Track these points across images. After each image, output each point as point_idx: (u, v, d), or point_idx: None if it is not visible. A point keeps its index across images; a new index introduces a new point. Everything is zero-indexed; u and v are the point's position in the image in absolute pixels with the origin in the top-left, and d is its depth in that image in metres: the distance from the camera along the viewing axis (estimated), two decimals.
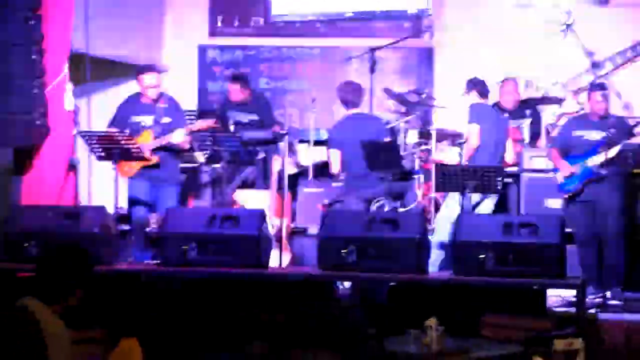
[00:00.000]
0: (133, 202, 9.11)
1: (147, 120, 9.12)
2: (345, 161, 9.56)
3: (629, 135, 8.87)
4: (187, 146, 9.23)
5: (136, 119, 9.14)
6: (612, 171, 8.61)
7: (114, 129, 8.88)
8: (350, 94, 9.73)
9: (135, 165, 9.01)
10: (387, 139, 9.72)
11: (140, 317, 7.39)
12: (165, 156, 9.11)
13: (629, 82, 11.12)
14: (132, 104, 9.24)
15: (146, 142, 8.99)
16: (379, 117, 10.27)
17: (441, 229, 8.93)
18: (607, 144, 8.62)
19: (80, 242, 7.66)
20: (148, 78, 9.12)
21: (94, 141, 8.74)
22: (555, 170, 8.99)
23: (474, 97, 9.38)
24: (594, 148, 8.73)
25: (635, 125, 9.99)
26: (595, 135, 8.79)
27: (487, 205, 9.11)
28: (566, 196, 8.88)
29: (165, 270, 7.83)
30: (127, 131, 8.92)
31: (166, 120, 9.12)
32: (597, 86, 9.12)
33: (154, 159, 9.00)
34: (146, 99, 9.16)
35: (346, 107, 9.76)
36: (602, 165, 8.62)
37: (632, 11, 11.35)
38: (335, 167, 9.74)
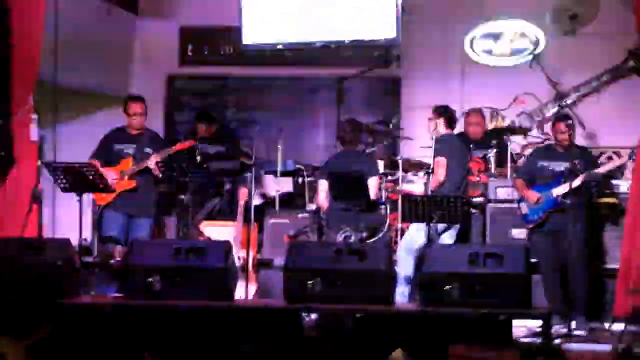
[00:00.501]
0: (105, 239, 9.22)
1: (129, 148, 9.46)
2: (330, 193, 9.65)
3: (593, 166, 8.93)
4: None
5: (119, 147, 9.48)
6: (576, 201, 8.65)
7: (80, 162, 8.92)
8: (350, 133, 9.91)
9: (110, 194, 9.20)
10: (374, 181, 9.73)
11: (105, 350, 7.35)
12: (143, 184, 9.35)
13: (593, 112, 11.21)
14: (117, 134, 9.59)
15: (127, 167, 9.33)
16: (373, 158, 10.31)
17: (402, 261, 8.94)
18: (571, 174, 8.66)
19: (43, 274, 7.66)
20: (136, 106, 9.50)
21: (59, 172, 8.73)
22: (520, 200, 9.03)
23: (441, 125, 9.39)
24: (558, 178, 8.79)
25: (599, 155, 10.10)
26: (560, 165, 8.85)
27: (449, 235, 9.13)
28: (530, 226, 8.93)
29: (130, 303, 7.77)
30: (98, 163, 9.11)
31: (148, 150, 9.42)
32: (562, 116, 9.20)
33: (133, 183, 9.31)
34: (130, 130, 9.51)
35: (342, 144, 9.94)
36: (566, 195, 8.66)
37: (596, 42, 11.44)
38: (320, 198, 9.81)
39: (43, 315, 7.43)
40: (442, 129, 9.39)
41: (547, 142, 9.44)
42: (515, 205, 9.17)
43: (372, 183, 9.65)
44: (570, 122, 8.94)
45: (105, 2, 11.95)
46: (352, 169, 9.66)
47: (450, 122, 9.47)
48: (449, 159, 9.23)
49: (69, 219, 9.34)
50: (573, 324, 8.52)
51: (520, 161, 10.52)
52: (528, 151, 10.34)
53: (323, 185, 9.88)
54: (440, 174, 9.21)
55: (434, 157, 9.27)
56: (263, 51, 11.52)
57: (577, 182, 8.64)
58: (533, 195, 8.86)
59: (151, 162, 9.26)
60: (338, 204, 9.58)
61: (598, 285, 9.01)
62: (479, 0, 11.90)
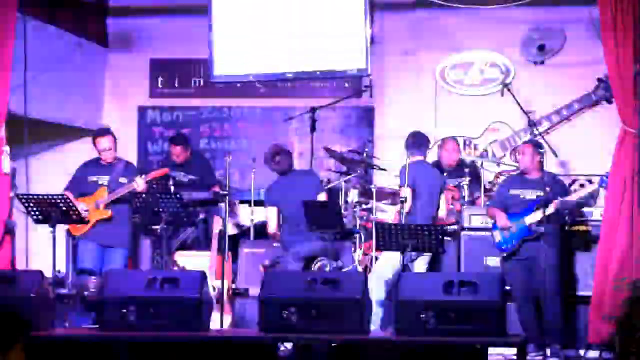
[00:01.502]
0: (80, 271, 9.18)
1: (103, 179, 9.43)
2: (282, 219, 9.63)
3: (565, 193, 8.99)
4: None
5: (93, 178, 9.46)
6: (549, 229, 8.69)
7: (52, 193, 8.89)
8: (276, 160, 9.95)
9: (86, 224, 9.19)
10: (323, 196, 9.77)
11: None
12: (118, 214, 9.33)
13: (565, 140, 11.29)
14: (91, 165, 9.58)
15: (101, 197, 9.31)
16: (313, 172, 10.34)
17: (375, 287, 8.94)
18: (543, 202, 8.70)
19: (16, 306, 7.57)
20: (103, 141, 9.45)
21: (32, 204, 8.70)
22: (494, 227, 9.05)
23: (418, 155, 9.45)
24: (530, 206, 8.83)
25: (572, 183, 10.15)
26: (531, 193, 8.89)
27: (420, 263, 9.15)
28: (504, 254, 8.96)
29: (104, 335, 7.71)
30: (69, 195, 9.05)
31: (123, 180, 9.40)
32: (527, 141, 9.24)
33: (108, 213, 9.28)
34: (103, 161, 9.50)
35: (279, 172, 9.99)
36: (539, 223, 8.70)
37: (567, 71, 11.55)
38: (272, 226, 9.82)
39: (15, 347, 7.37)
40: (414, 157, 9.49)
41: (517, 171, 9.45)
42: (490, 233, 9.19)
43: (323, 197, 9.71)
44: (538, 148, 8.99)
45: (76, 36, 11.96)
46: (302, 192, 9.67)
47: (426, 149, 9.58)
48: (416, 186, 9.32)
49: (42, 251, 9.29)
50: (548, 352, 8.53)
51: (494, 189, 10.56)
52: (501, 179, 10.37)
53: (272, 212, 9.84)
54: (408, 203, 9.24)
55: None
56: (233, 83, 11.53)
57: (550, 210, 8.68)
58: (504, 219, 8.89)
59: (126, 191, 9.20)
60: (299, 232, 9.55)
61: (572, 312, 9.04)
62: (449, 32, 11.98)
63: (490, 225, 9.21)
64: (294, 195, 9.62)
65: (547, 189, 8.73)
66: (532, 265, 8.79)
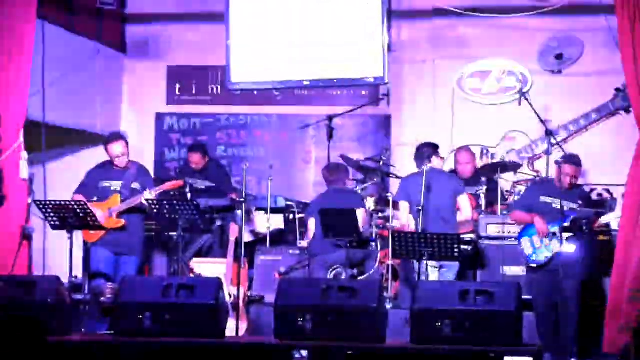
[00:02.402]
0: (94, 274, 9.16)
1: (116, 185, 9.33)
2: (316, 229, 9.68)
3: (591, 205, 8.94)
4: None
5: (105, 183, 9.35)
6: (585, 244, 8.64)
7: (70, 199, 8.91)
8: (332, 174, 10.06)
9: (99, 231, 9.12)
10: (361, 212, 9.76)
11: None
12: (131, 223, 9.26)
13: (583, 149, 11.24)
14: (102, 170, 9.47)
15: (114, 205, 9.21)
16: (358, 193, 10.35)
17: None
18: (579, 217, 8.64)
19: (33, 312, 7.61)
20: (115, 147, 9.34)
21: (49, 210, 8.71)
22: (521, 235, 8.92)
23: (437, 162, 9.46)
24: (564, 218, 8.70)
25: (590, 192, 10.10)
26: (564, 204, 8.78)
27: (449, 274, 9.15)
28: (532, 266, 8.85)
29: (120, 341, 7.72)
30: (95, 198, 9.15)
31: (135, 186, 9.34)
32: (569, 158, 9.07)
33: (121, 222, 9.18)
34: (116, 166, 9.37)
35: (327, 184, 10.07)
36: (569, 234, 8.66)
37: (585, 80, 11.53)
38: (310, 236, 9.86)
39: (31, 354, 7.40)
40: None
41: (545, 178, 9.34)
42: (507, 242, 9.14)
43: (359, 214, 9.68)
44: (577, 166, 8.91)
45: (94, 42, 12.01)
46: (342, 202, 9.69)
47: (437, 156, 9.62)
48: (410, 199, 9.39)
49: (59, 257, 9.31)
50: None
51: (511, 198, 10.54)
52: (519, 188, 10.34)
53: (312, 223, 9.90)
54: (404, 218, 9.27)
55: (461, 193, 9.42)
56: (250, 90, 11.55)
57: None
58: (541, 222, 8.78)
59: (139, 201, 9.18)
60: (326, 240, 9.58)
61: (591, 322, 8.96)
62: (467, 40, 11.99)
63: (507, 234, 9.15)
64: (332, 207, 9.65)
65: (580, 202, 8.67)
66: (556, 274, 8.68)
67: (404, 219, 9.41)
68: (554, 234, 8.71)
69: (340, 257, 9.55)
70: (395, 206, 9.94)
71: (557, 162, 9.03)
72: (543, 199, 8.93)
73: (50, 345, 7.44)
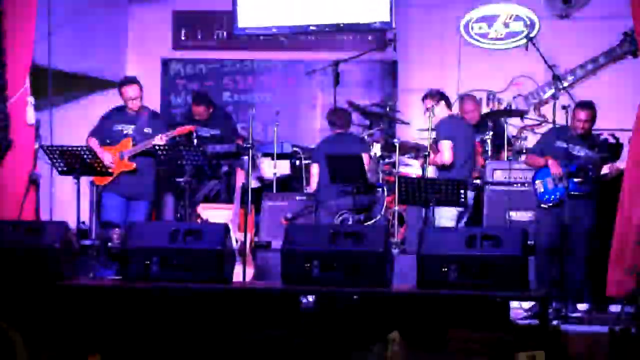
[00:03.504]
0: (103, 224, 9.24)
1: (128, 128, 9.43)
2: (320, 174, 9.68)
3: (613, 157, 8.93)
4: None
5: (118, 127, 9.47)
6: (593, 189, 8.63)
7: (77, 145, 8.93)
8: (338, 118, 10.07)
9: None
10: (366, 157, 9.76)
11: (103, 333, 7.35)
12: (142, 166, 9.36)
13: (589, 94, 11.19)
14: (115, 114, 9.58)
15: (126, 148, 9.34)
16: (364, 139, 10.33)
17: None
18: (588, 162, 8.64)
19: (41, 257, 7.65)
20: (130, 90, 9.44)
21: (56, 156, 8.73)
22: (536, 177, 8.92)
23: (443, 108, 9.41)
24: (575, 162, 8.71)
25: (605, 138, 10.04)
26: (579, 150, 8.79)
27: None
28: (543, 206, 8.85)
29: (128, 286, 7.76)
30: (108, 141, 9.29)
31: (148, 130, 9.41)
32: (583, 104, 9.02)
33: (132, 165, 9.31)
34: (129, 110, 9.48)
35: (332, 128, 10.08)
36: (581, 182, 8.65)
37: (592, 24, 11.46)
38: (314, 182, 9.87)
39: (41, 298, 7.46)
40: (445, 112, 9.40)
41: (563, 124, 9.29)
42: (513, 187, 9.14)
43: (364, 159, 9.68)
44: (591, 111, 8.87)
45: None
46: (345, 150, 9.70)
47: (449, 104, 9.51)
48: (456, 141, 9.25)
49: (66, 202, 9.35)
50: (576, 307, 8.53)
51: (518, 143, 10.54)
52: (525, 134, 10.34)
53: (315, 169, 9.91)
54: (446, 157, 9.19)
55: (438, 139, 9.26)
56: (256, 36, 11.50)
57: (605, 170, 8.63)
58: (556, 164, 8.77)
59: (151, 144, 9.24)
60: (333, 186, 9.61)
61: (598, 267, 8.98)
62: None
63: (513, 180, 9.15)
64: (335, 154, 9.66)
65: (596, 149, 8.67)
66: (565, 221, 8.68)
67: (447, 157, 9.27)
68: (568, 175, 8.71)
69: (346, 202, 9.56)
70: (403, 151, 10.00)
71: (568, 108, 8.99)
72: (559, 143, 8.91)
73: (57, 289, 7.53)
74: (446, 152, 9.22)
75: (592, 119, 8.87)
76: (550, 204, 8.80)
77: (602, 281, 8.66)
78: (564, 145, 8.85)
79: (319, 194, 9.89)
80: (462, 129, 9.46)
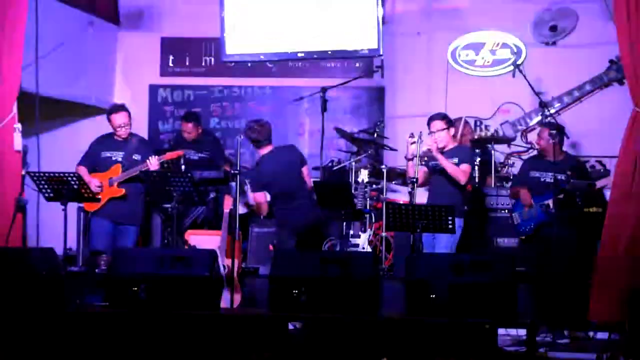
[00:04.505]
0: (92, 252, 9.22)
1: (117, 155, 9.47)
2: (272, 197, 9.60)
3: (584, 177, 8.96)
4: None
5: (107, 154, 9.48)
6: (564, 213, 8.66)
7: (64, 171, 8.93)
8: (260, 134, 9.68)
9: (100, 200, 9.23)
10: (305, 170, 9.70)
11: (90, 359, 7.33)
12: (131, 192, 9.39)
13: (576, 121, 11.26)
14: (104, 141, 9.60)
15: (116, 175, 9.36)
16: (295, 147, 10.09)
17: None
18: (556, 184, 8.68)
19: (28, 284, 7.62)
20: (119, 117, 9.47)
21: (43, 182, 8.72)
22: (514, 208, 9.00)
23: (448, 133, 9.31)
24: (546, 189, 8.79)
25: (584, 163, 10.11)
26: (547, 176, 8.89)
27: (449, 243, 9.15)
28: (522, 237, 8.96)
29: (115, 312, 7.73)
30: (85, 170, 9.27)
31: (136, 157, 9.45)
32: (545, 124, 9.20)
33: (122, 191, 9.33)
34: (117, 137, 9.52)
35: (258, 146, 9.74)
36: (554, 205, 8.68)
37: (578, 52, 11.52)
38: (264, 210, 9.74)
39: (27, 325, 7.43)
40: (449, 137, 9.24)
41: (537, 152, 9.38)
42: (500, 213, 9.19)
43: (304, 171, 9.65)
44: (552, 131, 8.96)
45: (87, 14, 11.95)
46: (289, 161, 9.62)
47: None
48: (472, 169, 9.26)
49: (53, 228, 9.31)
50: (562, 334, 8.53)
51: (505, 170, 10.57)
52: (512, 160, 10.38)
53: (261, 197, 9.71)
54: (465, 179, 9.02)
55: (462, 162, 9.10)
56: (244, 62, 11.52)
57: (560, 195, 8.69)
58: (527, 195, 8.93)
59: (139, 171, 9.24)
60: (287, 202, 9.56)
61: (583, 294, 8.97)
62: (461, 12, 11.96)
63: (500, 206, 9.20)
64: (281, 171, 9.55)
65: (569, 173, 8.71)
66: (548, 247, 8.72)
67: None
68: (541, 205, 8.81)
69: (307, 222, 9.51)
70: (390, 177, 9.97)
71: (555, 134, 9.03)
72: (532, 173, 9.04)
73: (44, 316, 7.49)
74: (466, 175, 9.07)
75: (555, 138, 8.86)
76: (526, 234, 8.88)
77: (584, 306, 8.66)
78: (537, 174, 8.98)
79: (278, 216, 9.75)
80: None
